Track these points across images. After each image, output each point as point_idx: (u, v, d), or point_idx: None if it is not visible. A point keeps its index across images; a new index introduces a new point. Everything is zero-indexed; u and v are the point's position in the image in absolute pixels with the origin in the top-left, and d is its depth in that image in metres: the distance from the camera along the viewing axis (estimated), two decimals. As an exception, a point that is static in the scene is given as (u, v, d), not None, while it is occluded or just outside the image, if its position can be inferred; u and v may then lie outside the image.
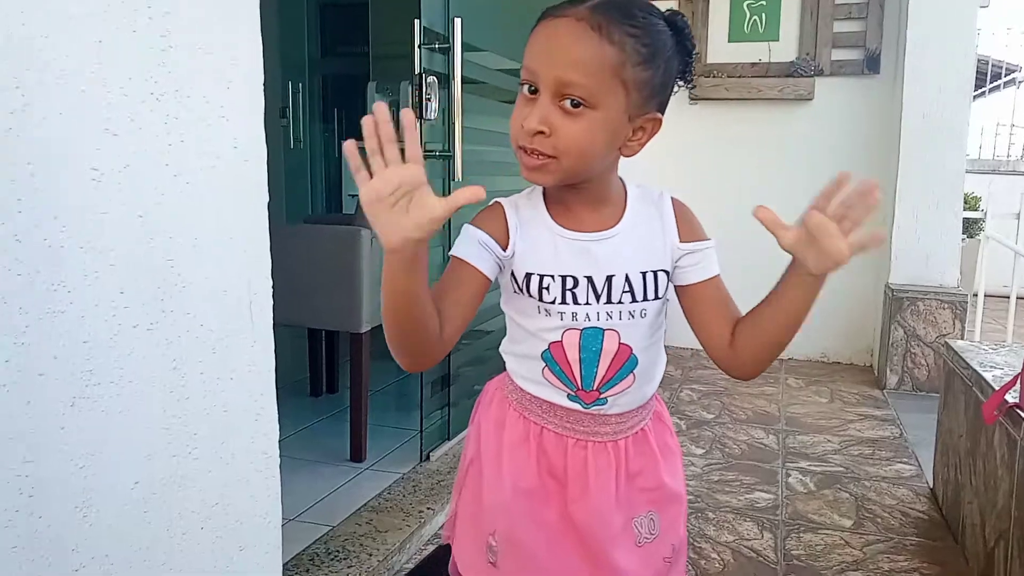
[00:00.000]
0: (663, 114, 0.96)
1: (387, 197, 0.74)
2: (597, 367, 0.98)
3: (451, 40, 2.30)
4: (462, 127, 2.34)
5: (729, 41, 3.99)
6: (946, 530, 2.11)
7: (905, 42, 3.47)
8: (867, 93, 3.81)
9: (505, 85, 2.79)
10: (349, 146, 0.75)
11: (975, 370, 1.98)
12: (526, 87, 0.90)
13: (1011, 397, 1.68)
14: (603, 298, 0.96)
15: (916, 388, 3.40)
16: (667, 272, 0.98)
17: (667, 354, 1.09)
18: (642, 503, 1.03)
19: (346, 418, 2.45)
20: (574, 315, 0.96)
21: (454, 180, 2.35)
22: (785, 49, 3.91)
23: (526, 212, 0.98)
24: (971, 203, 5.00)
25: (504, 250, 0.95)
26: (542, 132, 0.87)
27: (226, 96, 1.24)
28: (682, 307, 1.01)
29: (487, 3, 2.59)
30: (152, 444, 1.12)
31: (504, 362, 1.06)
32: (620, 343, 0.98)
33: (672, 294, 1.02)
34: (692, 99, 3.96)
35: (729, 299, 1.00)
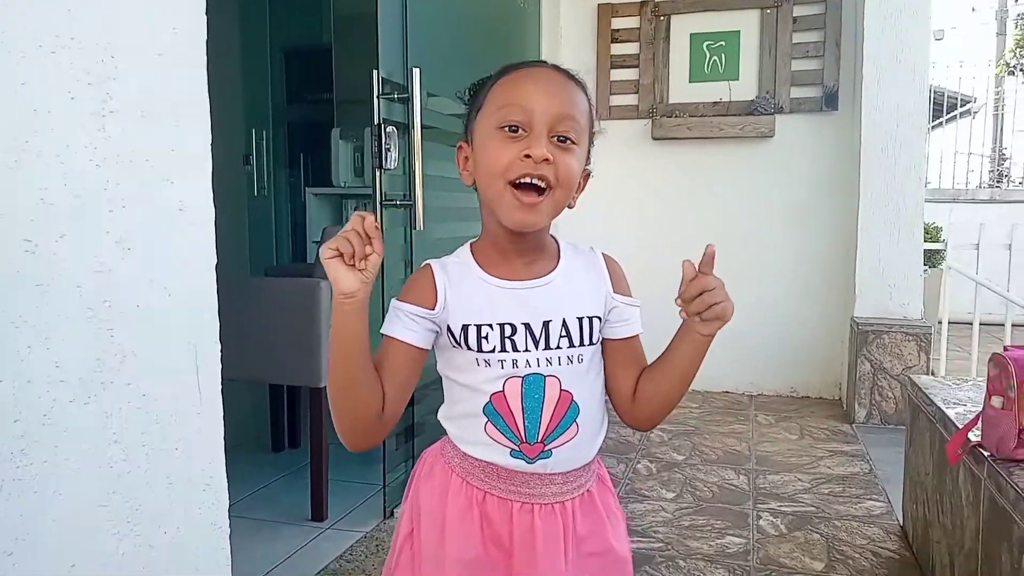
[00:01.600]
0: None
1: (348, 258, 0.87)
2: (541, 415, 0.97)
3: (410, 90, 2.30)
4: (423, 175, 2.33)
5: (690, 81, 4.05)
6: (917, 570, 2.10)
7: (861, 78, 3.54)
8: (826, 129, 3.87)
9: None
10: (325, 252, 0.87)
11: (939, 407, 1.99)
12: (507, 128, 0.93)
13: (974, 436, 1.68)
14: (541, 344, 0.98)
15: (884, 421, 3.41)
16: (600, 319, 1.02)
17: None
18: (589, 569, 1.01)
19: (307, 474, 2.40)
20: (514, 362, 0.97)
21: (415, 228, 2.34)
22: (745, 88, 3.97)
23: (455, 269, 1.01)
24: (932, 233, 5.07)
25: (432, 309, 0.97)
26: (548, 159, 0.92)
27: (170, 158, 1.22)
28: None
29: (445, 52, 2.61)
30: (90, 523, 1.08)
31: (444, 431, 1.04)
32: (561, 389, 0.98)
33: None
34: (655, 138, 4.00)
35: (643, 358, 1.07)
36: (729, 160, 3.99)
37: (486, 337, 0.96)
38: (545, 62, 1.00)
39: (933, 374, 3.46)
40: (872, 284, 3.55)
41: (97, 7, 1.07)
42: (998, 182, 9.30)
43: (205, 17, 1.24)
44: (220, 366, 1.34)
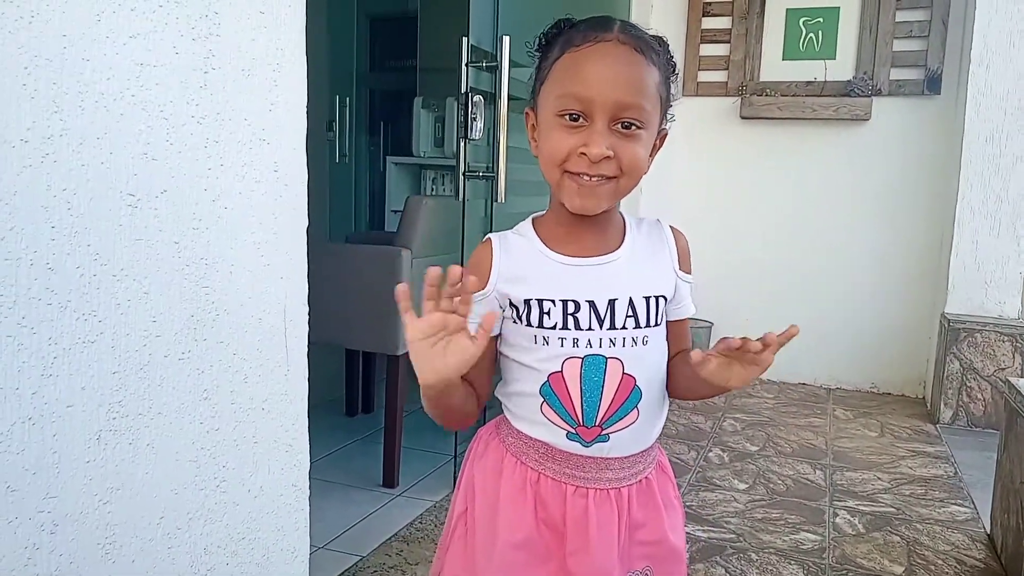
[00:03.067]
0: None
1: (429, 338, 0.79)
2: (600, 399, 0.94)
3: (499, 59, 2.26)
4: (507, 147, 2.30)
5: (783, 59, 3.89)
6: (1006, 582, 2.00)
7: (968, 62, 3.34)
8: (927, 114, 3.67)
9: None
10: (401, 290, 0.77)
11: (1042, 414, 1.87)
12: (566, 116, 0.88)
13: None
14: (606, 323, 0.93)
15: (972, 424, 3.25)
16: (666, 299, 0.98)
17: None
18: (639, 557, 0.98)
19: (380, 440, 2.42)
20: (575, 341, 0.93)
21: (497, 201, 2.31)
22: (841, 68, 3.79)
23: (517, 242, 0.98)
24: (1033, 229, 4.79)
25: (484, 288, 0.93)
26: (608, 157, 0.87)
27: (268, 118, 1.21)
28: None
29: (536, 21, 2.55)
30: (179, 477, 1.10)
31: (501, 406, 1.02)
32: (624, 373, 0.94)
33: None
34: (743, 117, 3.87)
35: (689, 341, 1.04)
36: (820, 143, 3.83)
37: (548, 313, 0.93)
38: (612, 26, 0.90)
39: (1029, 378, 3.28)
40: (966, 279, 3.37)
41: (205, -38, 1.06)
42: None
43: (307, -25, 1.23)
44: (307, 329, 1.34)
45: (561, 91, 0.89)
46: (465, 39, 2.21)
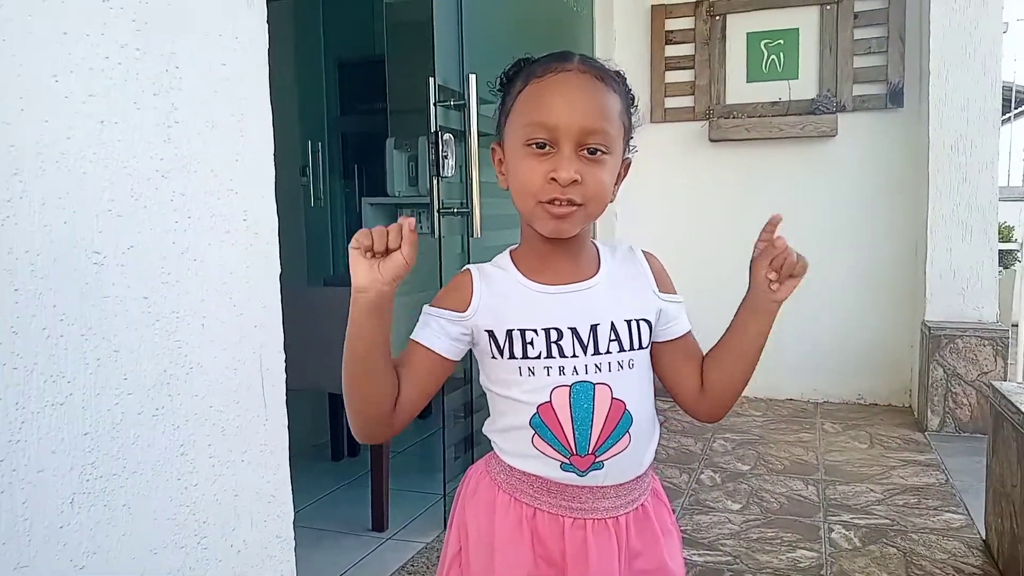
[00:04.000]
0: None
1: (368, 251, 0.86)
2: (592, 426, 0.93)
3: (467, 97, 2.28)
4: (479, 183, 2.31)
5: (748, 81, 3.96)
6: (1005, 588, 1.99)
7: (928, 74, 3.41)
8: (892, 127, 3.74)
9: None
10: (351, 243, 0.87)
11: (1026, 416, 1.88)
12: (533, 144, 0.90)
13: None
14: (590, 348, 0.93)
15: (959, 429, 3.26)
16: (649, 323, 0.98)
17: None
18: None
19: (367, 483, 2.39)
20: (561, 369, 0.93)
21: (472, 236, 2.32)
22: (805, 86, 3.86)
23: (496, 274, 0.98)
24: (1004, 233, 4.87)
25: (464, 312, 0.94)
26: (576, 181, 0.88)
27: (235, 168, 1.21)
28: (655, 363, 1.02)
29: (500, 57, 2.58)
30: (158, 537, 1.07)
31: (490, 444, 1.01)
32: (613, 398, 0.94)
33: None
34: (712, 140, 3.92)
35: (700, 351, 1.04)
36: (790, 161, 3.88)
37: (531, 343, 0.93)
38: (572, 58, 0.93)
39: (1011, 380, 3.30)
40: (944, 287, 3.41)
41: (161, 18, 1.06)
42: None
43: (266, 25, 1.23)
44: (284, 376, 1.33)
45: (527, 121, 0.91)
46: (432, 79, 2.23)
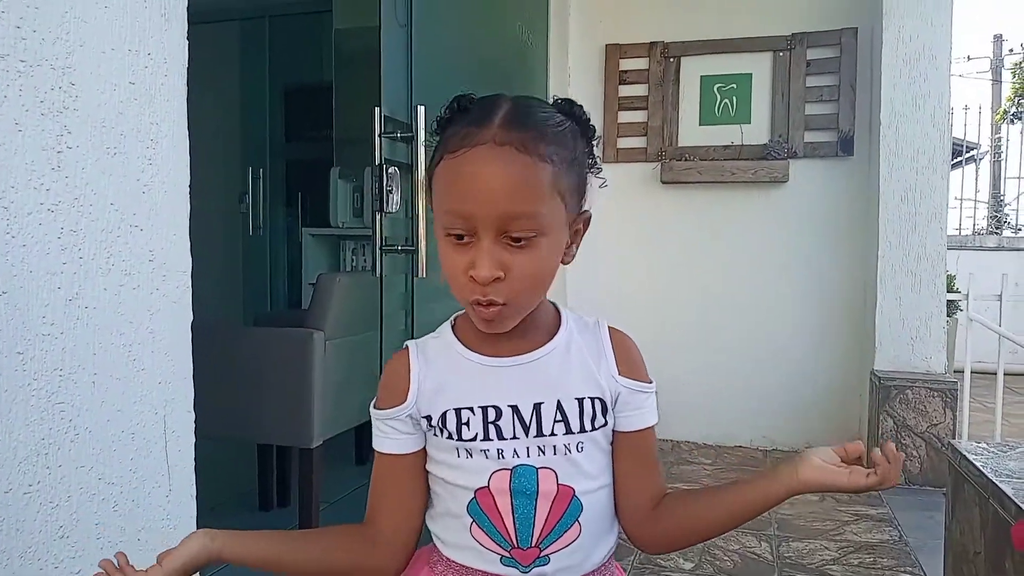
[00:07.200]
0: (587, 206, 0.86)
1: None
2: (534, 515, 0.82)
3: (414, 128, 2.15)
4: (426, 219, 2.18)
5: (700, 124, 3.93)
6: (967, 660, 1.90)
7: (878, 124, 3.42)
8: (842, 174, 3.74)
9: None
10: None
11: (990, 479, 1.80)
12: (453, 235, 0.77)
13: (1039, 519, 1.50)
14: (532, 430, 0.82)
15: (909, 482, 3.21)
16: (604, 402, 0.85)
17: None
18: None
19: (297, 539, 2.19)
20: (500, 452, 0.81)
21: (417, 276, 2.17)
22: (758, 132, 3.85)
23: (435, 347, 0.87)
24: (947, 282, 4.93)
25: (403, 403, 0.84)
26: (498, 278, 0.76)
27: (141, 201, 1.06)
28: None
29: (450, 89, 2.47)
30: (22, 644, 0.89)
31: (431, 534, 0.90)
32: (559, 484, 0.82)
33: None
34: (664, 182, 3.87)
35: (657, 456, 0.91)
36: (741, 205, 3.85)
37: (467, 423, 0.82)
38: (493, 119, 0.78)
39: (961, 435, 3.28)
40: (892, 336, 3.39)
41: (54, 27, 0.91)
42: (997, 228, 9.26)
43: (186, 42, 1.09)
44: (193, 439, 1.16)
45: (443, 207, 0.79)
46: (378, 110, 2.10)
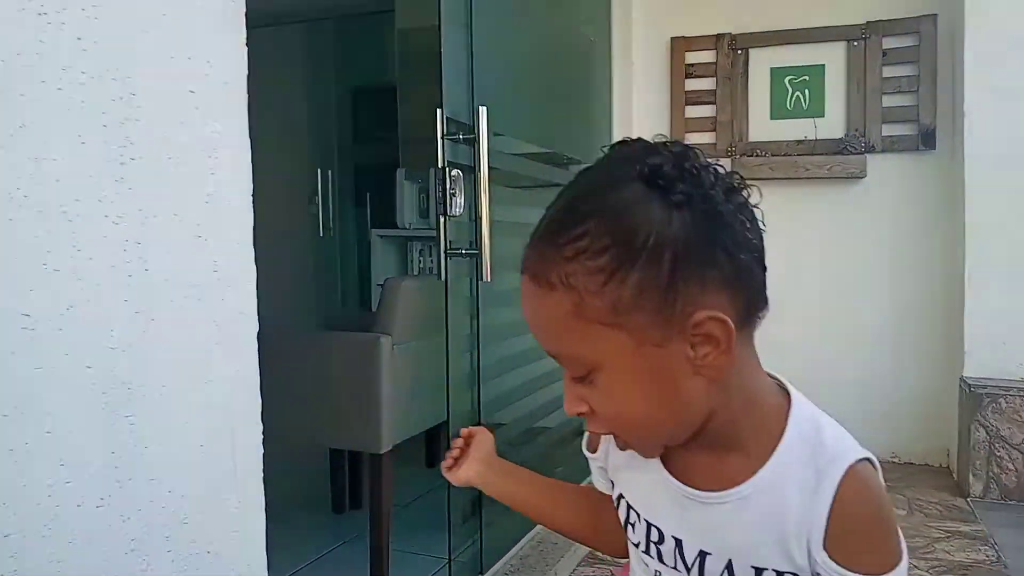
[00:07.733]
0: (722, 300, 0.66)
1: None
2: None
3: (476, 130, 2.12)
4: (490, 221, 2.14)
5: (771, 118, 3.79)
6: None
7: (962, 116, 3.23)
8: (924, 170, 3.55)
9: (536, 173, 2.61)
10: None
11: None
12: None
13: None
14: (693, 573, 0.73)
15: (1005, 496, 3.02)
16: None
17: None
18: None
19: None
20: (657, 574, 0.78)
21: (482, 280, 2.14)
22: (832, 125, 3.69)
23: None
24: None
25: (595, 454, 0.88)
26: (581, 412, 0.70)
27: (204, 211, 1.04)
28: None
29: (513, 89, 2.43)
30: (93, 660, 0.89)
31: None
32: None
33: None
34: (735, 179, 3.74)
35: None
36: (817, 202, 3.70)
37: (632, 525, 0.79)
38: (534, 237, 0.68)
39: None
40: (982, 339, 3.19)
41: (115, 36, 0.90)
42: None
43: (246, 48, 1.07)
44: (262, 450, 1.15)
45: None
46: (440, 111, 2.07)
